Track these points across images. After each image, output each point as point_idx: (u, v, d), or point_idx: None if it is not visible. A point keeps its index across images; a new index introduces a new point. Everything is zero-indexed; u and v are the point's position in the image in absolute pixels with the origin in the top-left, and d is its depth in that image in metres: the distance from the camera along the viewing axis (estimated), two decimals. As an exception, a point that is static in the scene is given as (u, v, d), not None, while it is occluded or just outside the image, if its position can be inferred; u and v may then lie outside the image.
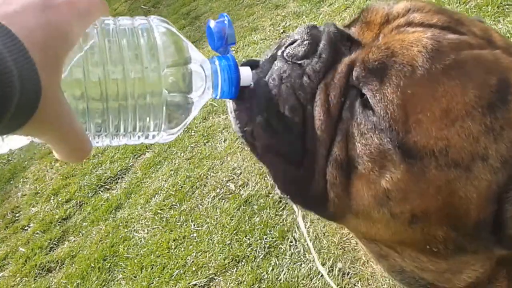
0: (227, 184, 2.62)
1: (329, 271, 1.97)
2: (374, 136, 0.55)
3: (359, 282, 1.88)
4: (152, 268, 2.34)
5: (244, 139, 0.65)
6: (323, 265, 2.00)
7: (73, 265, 2.58)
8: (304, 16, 3.62)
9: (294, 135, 0.60)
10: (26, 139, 0.46)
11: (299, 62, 0.61)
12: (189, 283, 2.17)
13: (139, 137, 0.54)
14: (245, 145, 0.66)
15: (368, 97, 0.55)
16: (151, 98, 0.51)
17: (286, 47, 0.63)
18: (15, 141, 0.46)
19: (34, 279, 2.61)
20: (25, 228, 3.04)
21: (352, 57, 0.61)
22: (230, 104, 0.65)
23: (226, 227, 2.36)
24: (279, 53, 0.64)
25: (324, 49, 0.61)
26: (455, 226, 0.55)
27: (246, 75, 0.61)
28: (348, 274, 1.93)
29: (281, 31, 3.63)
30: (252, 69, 0.64)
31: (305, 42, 0.62)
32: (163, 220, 2.58)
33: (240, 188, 2.55)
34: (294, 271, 2.02)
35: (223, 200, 2.53)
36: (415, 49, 0.54)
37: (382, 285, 1.83)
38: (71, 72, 0.46)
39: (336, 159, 0.58)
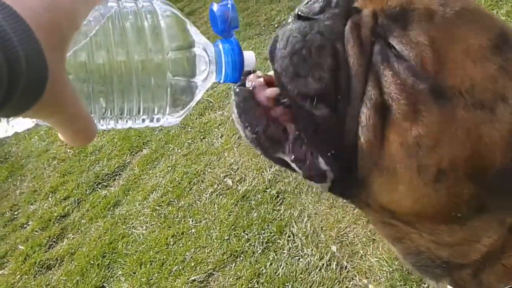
0: (225, 179, 2.63)
1: (327, 265, 1.98)
2: (407, 78, 0.56)
3: (357, 275, 1.90)
4: (151, 264, 2.35)
5: (256, 143, 0.64)
6: (320, 259, 2.01)
7: (73, 262, 2.59)
8: (299, 11, 3.62)
9: (326, 75, 0.59)
10: (31, 122, 0.46)
11: (316, 17, 0.62)
12: (188, 279, 2.18)
13: (143, 120, 0.55)
14: (258, 149, 0.65)
15: (395, 45, 0.57)
16: (155, 80, 0.51)
17: (301, 8, 0.64)
18: (20, 124, 0.46)
19: (34, 277, 2.62)
20: (24, 226, 3.05)
21: (370, 8, 0.61)
22: (234, 110, 0.65)
23: (224, 222, 2.37)
24: (292, 17, 0.65)
25: (340, 1, 0.62)
26: (480, 179, 0.56)
27: (250, 59, 0.61)
28: (346, 268, 1.95)
29: (276, 25, 3.63)
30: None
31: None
32: (161, 216, 2.60)
33: (238, 183, 2.57)
34: (292, 266, 2.04)
35: (221, 196, 2.54)
36: None
37: (380, 278, 1.84)
38: (75, 54, 0.46)
39: (371, 99, 0.58)
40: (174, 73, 0.52)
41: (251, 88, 0.65)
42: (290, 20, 0.65)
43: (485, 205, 0.58)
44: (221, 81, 0.60)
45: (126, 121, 0.54)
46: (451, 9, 0.57)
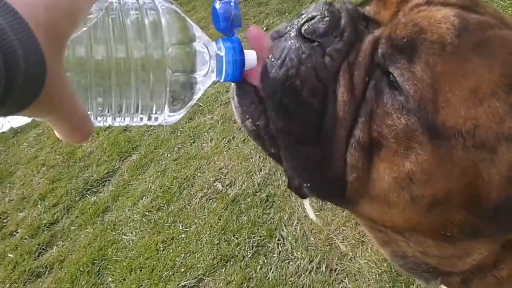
0: (214, 184, 2.62)
1: (317, 268, 1.98)
2: (401, 116, 0.54)
3: (346, 278, 1.90)
4: (141, 270, 2.34)
5: (254, 135, 0.63)
6: (310, 262, 2.01)
7: (62, 269, 2.57)
8: (287, 13, 3.63)
9: (311, 116, 0.58)
10: (28, 118, 0.46)
11: (319, 40, 0.59)
12: (178, 284, 2.17)
13: (141, 118, 0.54)
14: (255, 141, 0.64)
15: (396, 76, 0.54)
16: (154, 77, 0.50)
17: (303, 24, 0.61)
18: (17, 120, 0.46)
19: (24, 285, 2.59)
20: (13, 233, 3.02)
21: (375, 35, 0.59)
22: (234, 101, 0.63)
23: (214, 227, 2.37)
24: (294, 31, 0.61)
25: (346, 25, 0.59)
26: (475, 210, 0.55)
27: (251, 58, 0.60)
28: (335, 270, 1.95)
29: (265, 28, 3.63)
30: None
31: (326, 19, 0.60)
32: (151, 222, 2.58)
33: (227, 187, 2.56)
34: (282, 269, 2.04)
35: (211, 200, 2.54)
36: (443, 26, 0.53)
37: (369, 280, 1.85)
38: (74, 50, 0.46)
39: (358, 141, 0.57)
40: (173, 69, 0.51)
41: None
42: (291, 32, 0.61)
43: (479, 231, 0.57)
44: (222, 80, 0.59)
45: (124, 119, 0.53)
46: (468, 40, 0.52)
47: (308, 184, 0.62)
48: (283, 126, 0.59)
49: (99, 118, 0.52)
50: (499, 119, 0.51)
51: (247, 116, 0.62)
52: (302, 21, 0.61)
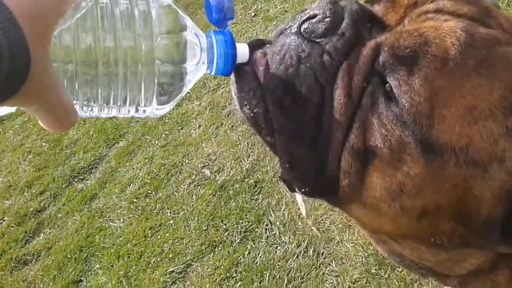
0: (202, 170, 2.62)
1: (304, 252, 2.00)
2: (395, 128, 0.53)
3: (333, 261, 1.92)
4: (129, 257, 2.33)
5: (252, 122, 0.61)
6: (298, 246, 2.02)
7: (49, 257, 2.56)
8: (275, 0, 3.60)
9: (309, 116, 0.57)
10: (12, 107, 0.45)
11: (318, 40, 0.58)
12: (166, 270, 2.18)
13: (129, 111, 0.53)
14: (252, 128, 0.62)
15: (393, 87, 0.53)
16: (142, 68, 0.49)
17: (304, 22, 0.59)
18: (0, 109, 0.46)
19: (11, 273, 2.58)
20: (0, 221, 2.99)
21: (378, 40, 0.57)
22: (233, 87, 0.61)
23: (202, 213, 2.36)
24: (294, 27, 0.59)
25: (347, 28, 0.57)
26: (465, 223, 0.54)
27: (243, 52, 0.59)
28: (322, 254, 1.97)
29: (253, 14, 3.60)
30: (259, 48, 0.60)
31: (326, 19, 0.58)
32: (138, 209, 2.58)
33: (216, 174, 2.56)
34: (270, 254, 2.05)
35: (199, 187, 2.53)
36: (449, 41, 0.51)
37: (355, 263, 1.86)
38: (61, 39, 0.45)
39: (353, 147, 0.56)
40: (162, 59, 0.50)
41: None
42: (292, 28, 0.60)
43: (469, 242, 0.57)
44: (212, 73, 0.58)
45: (110, 110, 0.53)
46: (471, 57, 0.51)
47: (300, 183, 0.62)
48: (281, 124, 0.59)
49: (85, 109, 0.51)
50: (493, 140, 0.50)
51: (245, 103, 0.60)
52: (303, 19, 0.59)
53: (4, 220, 2.98)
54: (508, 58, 0.52)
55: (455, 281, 0.64)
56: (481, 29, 0.53)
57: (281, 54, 0.58)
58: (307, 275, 1.91)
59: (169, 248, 2.28)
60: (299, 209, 2.16)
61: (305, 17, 0.59)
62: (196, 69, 0.55)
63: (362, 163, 0.56)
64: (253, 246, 2.11)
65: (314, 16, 0.59)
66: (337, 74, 0.57)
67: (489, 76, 0.51)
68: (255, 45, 0.62)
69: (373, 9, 0.62)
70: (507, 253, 0.56)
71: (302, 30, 0.59)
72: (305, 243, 2.02)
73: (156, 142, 2.98)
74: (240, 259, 2.08)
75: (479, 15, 0.56)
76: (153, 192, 2.63)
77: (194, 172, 2.63)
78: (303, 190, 0.63)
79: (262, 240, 2.12)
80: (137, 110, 0.54)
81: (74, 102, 0.49)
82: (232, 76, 0.62)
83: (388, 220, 0.58)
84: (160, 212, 2.50)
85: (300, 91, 0.57)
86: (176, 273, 2.16)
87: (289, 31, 0.60)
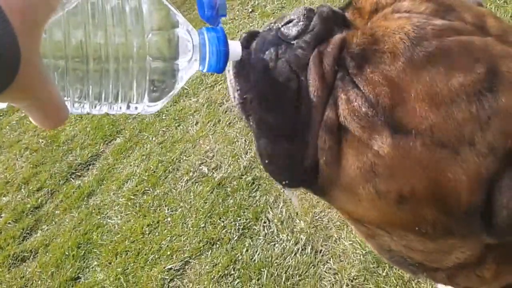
0: (200, 167, 2.62)
1: (302, 249, 2.00)
2: (362, 105, 0.55)
3: (331, 259, 1.92)
4: (127, 254, 2.34)
5: (242, 108, 0.64)
6: (296, 244, 2.03)
7: (47, 254, 2.56)
8: (273, -5, 3.59)
9: (289, 107, 0.60)
10: (2, 104, 0.45)
11: (292, 42, 0.63)
12: (164, 267, 2.18)
13: (120, 107, 0.53)
14: (242, 115, 0.65)
15: (353, 77, 0.57)
16: (133, 64, 0.49)
17: (283, 26, 0.65)
18: None
19: (8, 270, 2.58)
20: (-3, 218, 2.99)
21: (343, 35, 0.62)
22: (229, 73, 0.63)
23: (200, 210, 2.37)
24: (274, 29, 0.65)
25: (316, 24, 0.62)
26: (445, 209, 0.55)
27: (236, 49, 0.59)
28: (320, 252, 1.97)
29: (250, 10, 3.60)
30: (252, 38, 0.64)
31: (300, 24, 0.63)
32: (136, 206, 2.58)
33: (213, 171, 2.56)
34: (268, 251, 2.05)
35: (197, 184, 2.53)
36: (397, 37, 0.54)
37: (353, 261, 1.87)
38: (51, 34, 0.45)
39: (326, 122, 0.58)
40: (154, 55, 0.50)
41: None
42: (272, 30, 0.65)
43: (452, 231, 0.57)
44: (204, 70, 0.58)
45: (101, 107, 0.52)
46: (421, 50, 0.53)
47: (279, 176, 0.65)
48: (262, 117, 0.62)
49: (76, 105, 0.51)
50: (458, 124, 0.51)
51: (238, 88, 0.63)
52: (282, 23, 0.65)
53: (1, 217, 2.97)
54: (467, 46, 0.53)
55: (443, 275, 0.64)
56: (436, 21, 0.55)
57: (262, 51, 0.63)
58: (305, 273, 1.92)
59: (167, 245, 2.28)
60: (296, 207, 2.16)
61: (284, 21, 0.65)
62: (188, 66, 0.55)
63: (336, 139, 0.58)
64: (251, 243, 2.11)
65: (291, 21, 0.64)
66: (308, 63, 0.61)
67: (445, 64, 0.52)
68: (250, 37, 0.66)
69: (345, 14, 0.66)
70: (495, 245, 0.57)
71: (279, 34, 0.64)
72: (303, 240, 2.03)
73: (154, 138, 2.98)
74: (238, 256, 2.09)
75: (437, 11, 0.58)
76: (151, 189, 2.63)
77: (192, 169, 2.63)
78: (283, 183, 0.65)
79: (260, 237, 2.12)
80: (128, 107, 0.53)
81: (65, 98, 0.49)
82: (230, 64, 0.63)
83: (368, 205, 0.58)
84: (158, 209, 2.50)
85: (279, 81, 0.61)
86: (174, 270, 2.16)
87: (268, 32, 0.65)
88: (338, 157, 0.58)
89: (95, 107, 0.52)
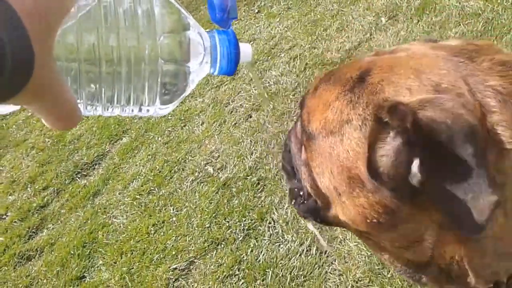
0: (206, 167, 2.62)
1: (307, 250, 2.00)
2: (299, 132, 0.83)
3: (336, 260, 1.92)
4: (132, 253, 2.34)
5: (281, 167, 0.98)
6: (301, 245, 2.03)
7: (53, 252, 2.57)
8: (279, -4, 3.59)
9: (290, 165, 0.91)
10: (16, 105, 0.45)
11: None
12: (169, 267, 2.18)
13: (132, 110, 0.53)
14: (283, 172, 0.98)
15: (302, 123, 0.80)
16: (145, 67, 0.49)
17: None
18: (4, 107, 0.46)
19: (14, 268, 2.59)
20: (3, 217, 3.00)
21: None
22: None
23: (205, 210, 2.37)
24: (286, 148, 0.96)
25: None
26: (362, 185, 0.66)
27: (246, 52, 0.59)
28: (325, 253, 1.97)
29: (256, 11, 3.60)
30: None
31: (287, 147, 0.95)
32: (141, 205, 2.58)
33: (219, 171, 2.56)
34: (273, 252, 2.05)
35: (202, 184, 2.54)
36: (316, 81, 0.79)
37: (358, 262, 1.87)
38: (64, 37, 0.45)
39: (296, 136, 0.87)
40: (165, 58, 0.50)
41: None
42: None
43: (395, 211, 0.64)
44: (215, 72, 0.58)
45: (114, 109, 0.52)
46: (322, 83, 0.76)
47: (308, 213, 0.87)
48: (283, 167, 0.96)
49: (89, 108, 0.51)
50: (339, 112, 0.68)
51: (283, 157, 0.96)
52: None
53: (7, 216, 2.99)
54: (347, 66, 0.74)
55: (434, 268, 0.68)
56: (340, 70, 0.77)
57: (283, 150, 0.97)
58: (310, 274, 1.92)
59: (172, 245, 2.28)
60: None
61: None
62: (200, 68, 0.56)
63: (300, 145, 0.83)
64: (256, 244, 2.11)
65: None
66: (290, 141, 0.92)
67: (333, 84, 0.73)
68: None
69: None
70: (442, 221, 0.62)
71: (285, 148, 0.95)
72: (308, 241, 2.02)
73: (159, 138, 2.99)
74: (243, 257, 2.09)
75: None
76: (156, 189, 2.64)
77: (197, 169, 2.63)
78: (314, 220, 0.85)
79: (265, 238, 2.12)
80: (140, 110, 0.54)
81: (78, 101, 0.49)
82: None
83: (343, 210, 0.71)
84: (163, 209, 2.50)
85: (286, 157, 0.94)
86: (179, 270, 2.16)
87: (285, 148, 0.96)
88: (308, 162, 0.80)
89: (108, 109, 0.52)
